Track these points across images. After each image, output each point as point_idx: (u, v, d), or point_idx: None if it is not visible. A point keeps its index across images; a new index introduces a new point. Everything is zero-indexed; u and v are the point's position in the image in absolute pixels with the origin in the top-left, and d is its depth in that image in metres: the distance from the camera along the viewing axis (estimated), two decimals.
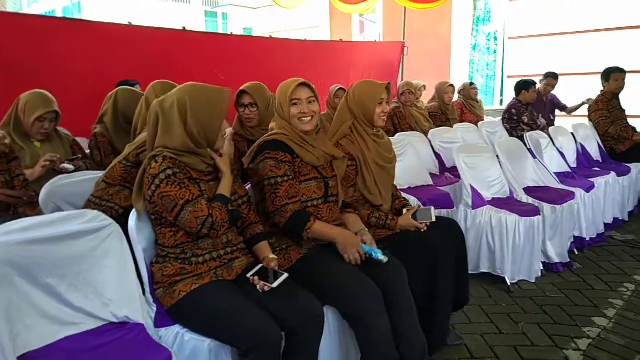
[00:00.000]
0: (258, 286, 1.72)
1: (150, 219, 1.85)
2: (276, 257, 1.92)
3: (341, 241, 2.00)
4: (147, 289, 1.82)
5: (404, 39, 7.70)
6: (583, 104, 5.75)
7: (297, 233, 1.99)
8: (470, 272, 3.13)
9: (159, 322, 1.79)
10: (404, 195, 3.34)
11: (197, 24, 15.68)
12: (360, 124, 2.39)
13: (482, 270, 3.15)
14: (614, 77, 4.87)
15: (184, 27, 5.33)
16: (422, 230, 2.30)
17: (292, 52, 6.10)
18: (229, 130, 2.40)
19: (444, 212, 3.44)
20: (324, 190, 2.11)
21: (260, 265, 1.82)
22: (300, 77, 2.18)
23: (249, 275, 1.76)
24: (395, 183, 3.44)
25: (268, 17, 11.83)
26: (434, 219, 2.33)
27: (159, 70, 4.23)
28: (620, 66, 4.93)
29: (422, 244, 2.23)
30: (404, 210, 2.44)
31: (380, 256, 1.97)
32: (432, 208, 2.42)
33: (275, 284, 1.71)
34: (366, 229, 2.20)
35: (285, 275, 1.76)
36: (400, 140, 3.89)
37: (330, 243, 2.04)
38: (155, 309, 1.81)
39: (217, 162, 1.86)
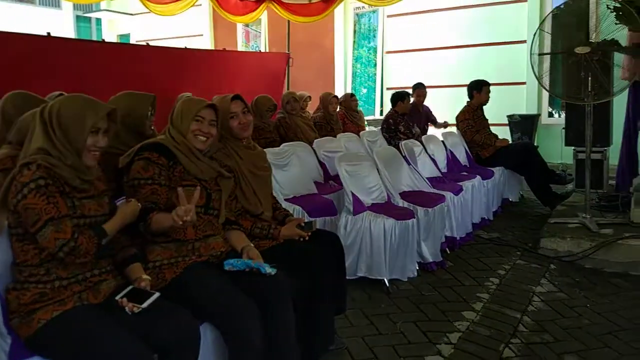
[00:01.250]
0: (127, 308, 1.65)
1: (10, 236, 1.70)
2: (149, 277, 1.85)
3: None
4: (0, 319, 1.66)
5: (288, 51, 7.86)
6: (445, 124, 6.18)
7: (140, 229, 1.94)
8: (352, 276, 3.30)
9: (15, 355, 1.64)
10: (289, 204, 3.43)
11: (68, 30, 14.58)
12: (229, 137, 2.45)
13: (363, 274, 3.30)
14: (485, 89, 5.42)
15: (48, 33, 4.96)
16: (305, 239, 2.37)
17: (171, 61, 5.94)
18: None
19: (327, 220, 3.57)
20: (205, 199, 2.10)
21: (130, 287, 1.75)
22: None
23: (117, 297, 1.69)
24: (280, 192, 3.52)
25: (147, 24, 11.38)
26: (314, 229, 2.42)
27: (19, 79, 3.90)
28: (484, 79, 5.50)
29: (305, 256, 2.30)
30: (286, 220, 2.50)
31: (268, 269, 1.99)
32: (315, 220, 2.55)
33: (145, 304, 1.65)
34: (251, 245, 2.20)
35: (157, 294, 1.71)
36: (285, 151, 3.97)
37: (205, 261, 2.04)
38: (10, 341, 1.66)
39: (121, 204, 1.85)
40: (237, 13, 6.92)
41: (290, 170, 3.83)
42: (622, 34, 4.58)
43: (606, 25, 4.60)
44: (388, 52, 9.06)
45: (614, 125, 5.48)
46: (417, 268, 3.50)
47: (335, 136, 4.98)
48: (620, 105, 5.23)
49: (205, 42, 10.77)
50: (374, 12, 9.58)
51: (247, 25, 10.53)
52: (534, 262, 3.81)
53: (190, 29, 10.72)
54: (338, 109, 5.84)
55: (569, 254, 3.82)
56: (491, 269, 3.66)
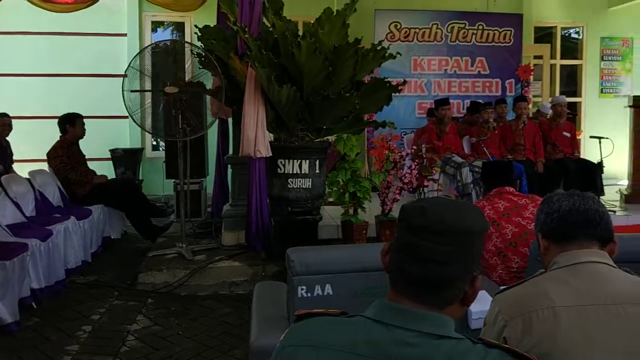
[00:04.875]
0: None
1: None
2: None
3: None
4: None
5: None
6: None
7: None
8: None
9: None
10: None
11: None
12: None
13: None
14: (79, 122, 5.25)
15: None
16: None
17: None
18: None
19: None
20: None
21: None
22: None
23: None
24: None
25: None
26: None
27: None
28: (77, 112, 5.35)
29: None
30: None
31: None
32: None
33: None
34: None
35: None
36: None
37: None
38: None
39: None
40: None
41: None
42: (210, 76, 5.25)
43: (195, 68, 5.23)
44: None
45: (210, 157, 6.24)
46: None
47: None
48: (215, 139, 5.99)
49: None
50: None
51: None
52: (131, 299, 3.89)
53: None
54: None
55: (165, 285, 4.08)
56: (84, 316, 3.55)
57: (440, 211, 0.98)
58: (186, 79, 5.03)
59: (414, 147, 5.82)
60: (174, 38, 8.52)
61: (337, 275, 2.19)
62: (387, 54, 4.49)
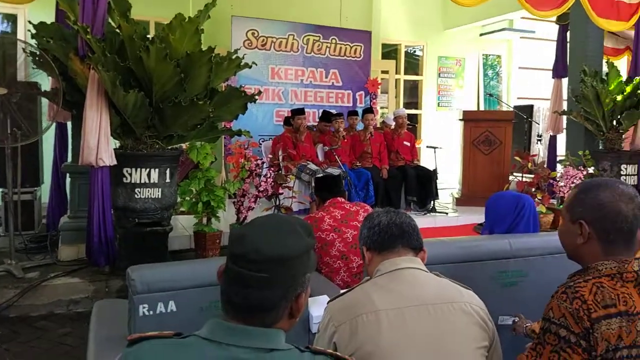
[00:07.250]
0: None
1: None
2: None
3: None
4: None
5: None
6: None
7: None
8: None
9: None
10: None
11: None
12: None
13: None
14: None
15: None
16: None
17: None
18: None
19: None
20: None
21: None
22: None
23: None
24: None
25: None
26: None
27: None
28: None
29: None
30: None
31: None
32: None
33: None
34: None
35: None
36: None
37: None
38: None
39: None
40: None
41: None
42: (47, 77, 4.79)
43: (29, 66, 4.74)
44: None
45: (46, 164, 5.71)
46: None
47: None
48: (52, 144, 5.50)
49: None
50: None
51: None
52: None
53: None
54: None
55: None
56: None
57: (258, 239, 1.02)
58: (18, 78, 4.57)
59: (270, 155, 5.93)
60: (5, 30, 7.67)
61: (180, 292, 2.15)
62: (242, 64, 4.49)
